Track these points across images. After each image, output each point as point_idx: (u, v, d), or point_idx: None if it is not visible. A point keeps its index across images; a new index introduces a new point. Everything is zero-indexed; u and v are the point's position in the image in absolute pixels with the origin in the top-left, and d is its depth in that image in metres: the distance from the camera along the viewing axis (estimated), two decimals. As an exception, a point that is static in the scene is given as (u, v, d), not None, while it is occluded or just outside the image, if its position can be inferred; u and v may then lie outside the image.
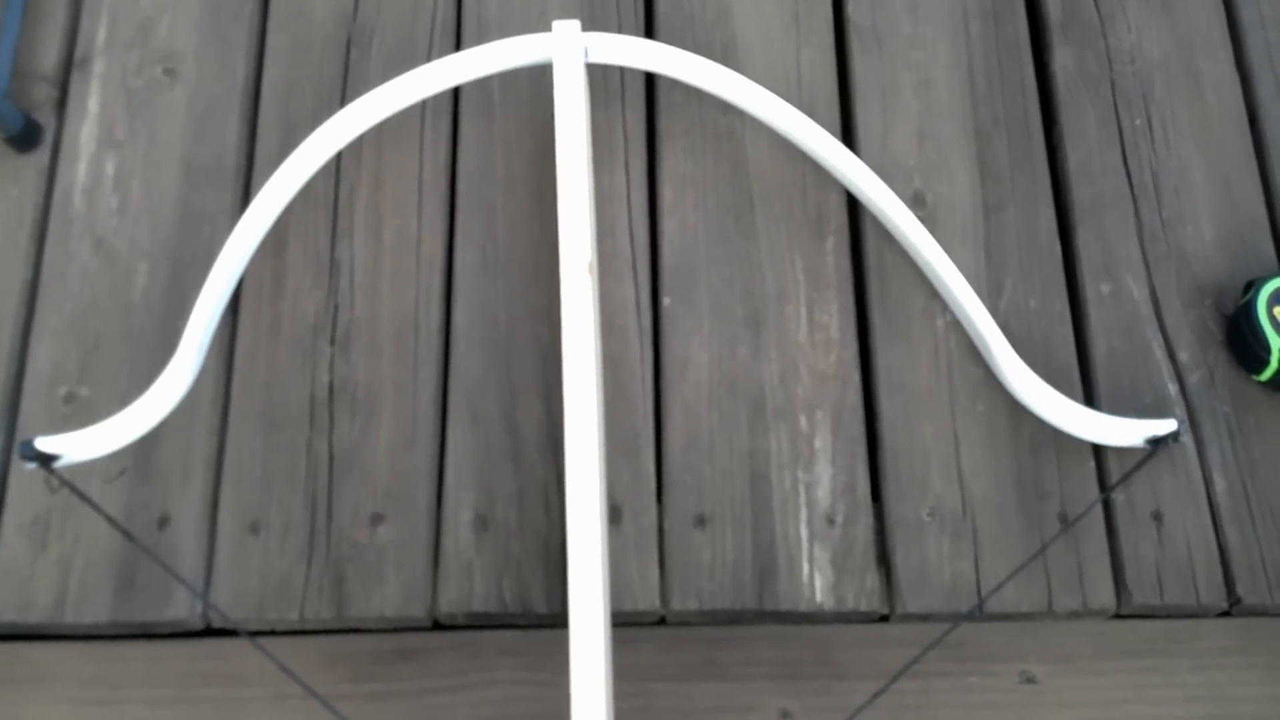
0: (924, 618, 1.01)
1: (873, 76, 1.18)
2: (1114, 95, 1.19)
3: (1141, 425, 1.02)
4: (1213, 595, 1.02)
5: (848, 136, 1.17)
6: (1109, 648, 1.02)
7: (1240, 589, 1.02)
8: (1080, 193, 1.15)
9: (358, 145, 1.12)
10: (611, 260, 1.10)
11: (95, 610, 0.99)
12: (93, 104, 1.15)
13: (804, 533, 1.02)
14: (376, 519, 1.01)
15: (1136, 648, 1.02)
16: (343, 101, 1.14)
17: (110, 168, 1.12)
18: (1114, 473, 1.05)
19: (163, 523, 1.01)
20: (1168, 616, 1.03)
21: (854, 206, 1.13)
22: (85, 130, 1.14)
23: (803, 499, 1.03)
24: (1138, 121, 1.18)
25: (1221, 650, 1.03)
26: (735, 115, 1.14)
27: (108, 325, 1.07)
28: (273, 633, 1.00)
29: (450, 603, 0.99)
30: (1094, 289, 1.11)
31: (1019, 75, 1.19)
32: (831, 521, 1.02)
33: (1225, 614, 1.04)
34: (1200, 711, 1.01)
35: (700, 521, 1.02)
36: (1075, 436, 1.04)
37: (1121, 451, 1.05)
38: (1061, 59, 1.20)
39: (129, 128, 1.14)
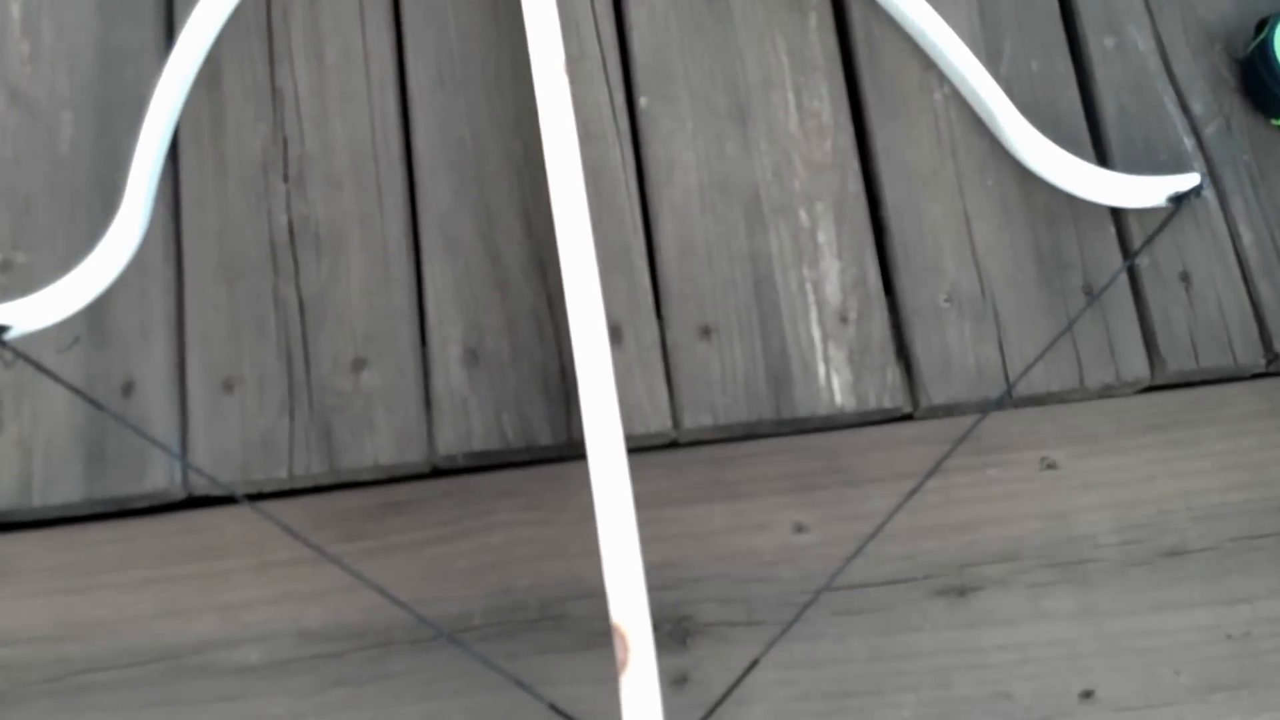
0: (949, 410, 0.98)
1: None
2: None
3: (1162, 182, 0.98)
4: (1249, 354, 0.99)
5: None
6: (1131, 424, 0.99)
7: (1278, 344, 0.99)
8: None
9: None
10: (579, 62, 1.03)
11: (66, 490, 0.92)
12: (-14, -61, 1.04)
13: (816, 333, 0.97)
14: (359, 364, 0.96)
15: (1160, 421, 1.00)
16: None
17: (15, 9, 1.03)
18: (1136, 236, 1.01)
19: (127, 389, 0.94)
20: (1203, 383, 1.00)
21: None
22: (-18, -29, 1.04)
23: (811, 298, 0.98)
24: None
25: (1250, 414, 1.01)
26: None
27: (37, 183, 0.99)
28: (260, 495, 0.94)
29: (448, 444, 0.94)
30: (1097, 44, 1.06)
31: None
32: (844, 319, 0.98)
33: (1260, 375, 1.01)
34: (1232, 480, 0.99)
35: (705, 333, 0.97)
36: (1093, 202, 1.00)
37: (1142, 214, 1.01)
38: None
39: (30, -37, 1.04)
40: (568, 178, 0.91)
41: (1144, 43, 1.06)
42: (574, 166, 0.91)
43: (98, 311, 0.95)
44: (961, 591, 0.94)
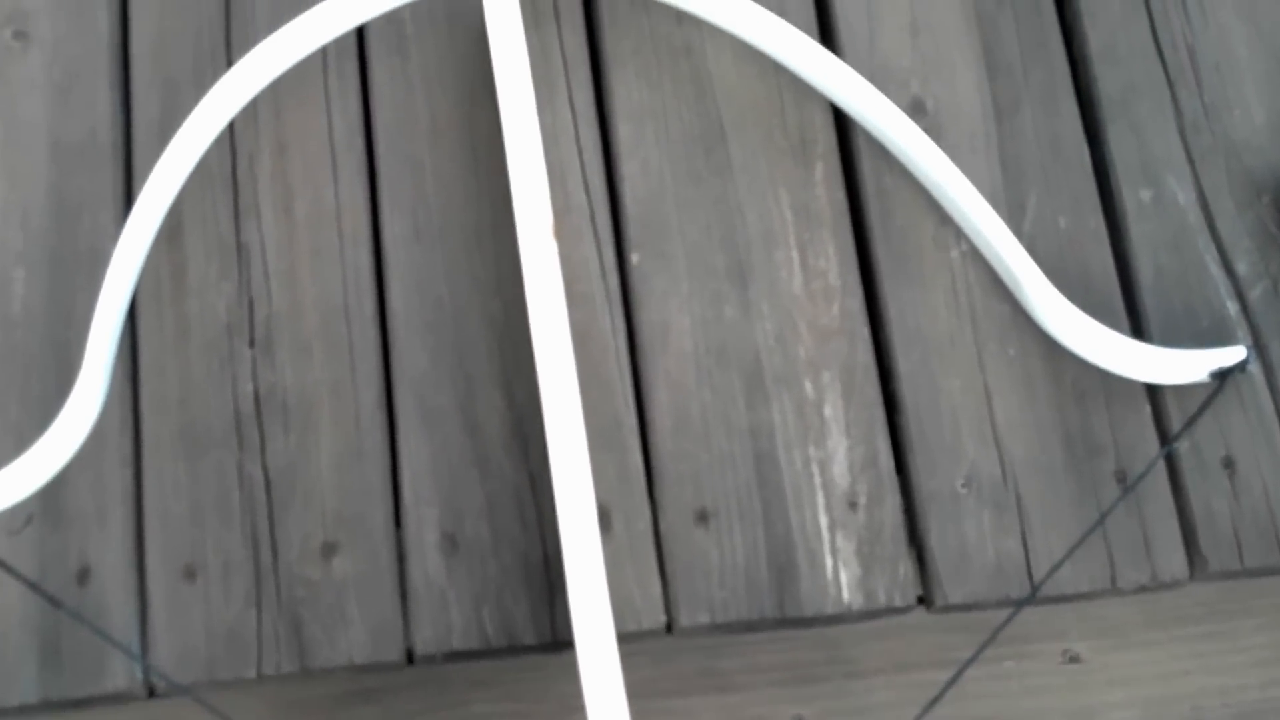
0: (966, 608, 0.93)
1: (851, -41, 1.07)
2: (1136, -44, 1.07)
3: (1204, 356, 0.94)
4: (1300, 550, 0.95)
5: (827, 37, 1.05)
6: (1161, 616, 0.98)
7: (1332, 540, 0.94)
8: (1106, 81, 1.04)
9: (251, 107, 1.00)
10: (566, 215, 0.99)
11: (21, 690, 0.89)
12: (-65, 84, 1.03)
13: (823, 520, 0.93)
14: (329, 549, 0.92)
15: (1193, 613, 0.98)
16: (227, 50, 1.02)
17: (-36, 160, 1.01)
18: (1175, 415, 0.96)
19: (83, 576, 0.91)
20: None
21: (842, 123, 1.03)
22: (-70, 116, 1.02)
23: (817, 480, 0.94)
24: (1166, -13, 1.07)
25: (1289, 605, 0.98)
26: (692, 25, 1.02)
27: (-13, 348, 0.96)
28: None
29: (426, 642, 0.91)
30: (1132, 197, 1.01)
31: (1023, -59, 1.08)
32: (853, 504, 0.94)
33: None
34: (1272, 675, 0.98)
35: (702, 518, 0.93)
36: (1126, 377, 0.95)
37: (1181, 390, 0.96)
38: (1072, -89, 1.09)
39: (-18, 107, 1.02)
40: (555, 352, 0.87)
41: (1184, 196, 1.01)
42: (562, 340, 0.87)
43: (52, 488, 0.92)
44: (981, 795, 0.91)
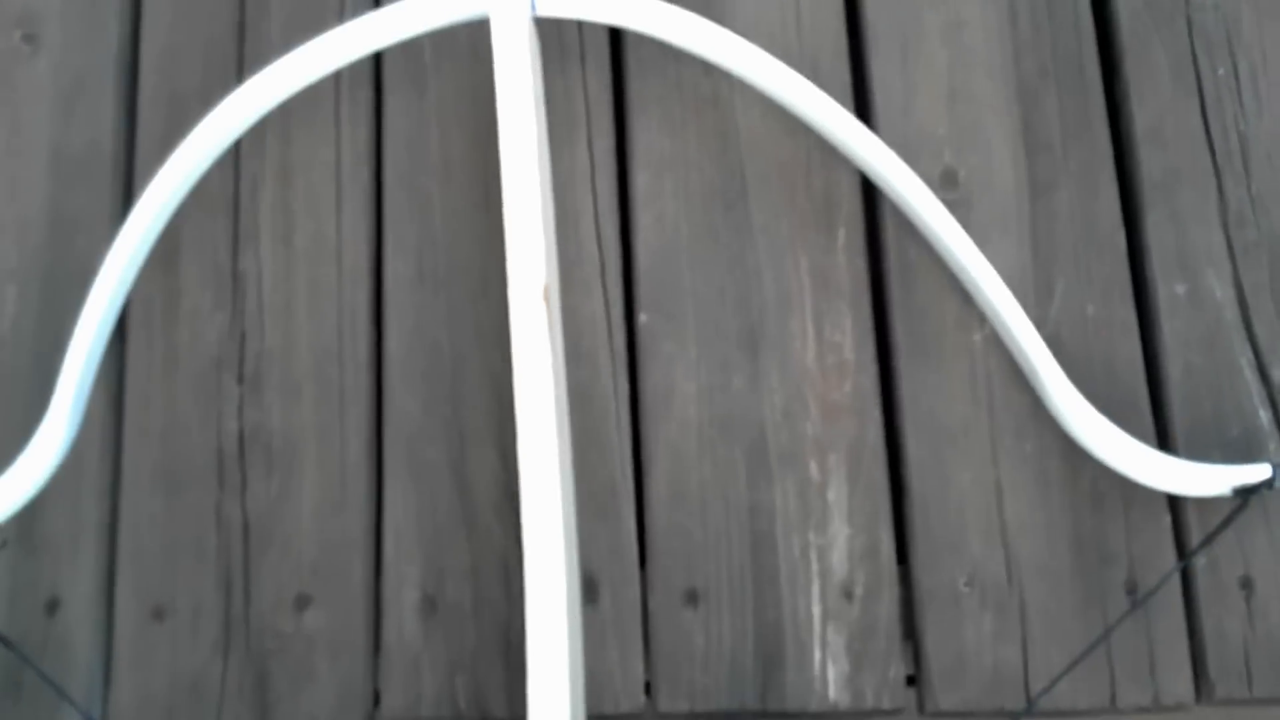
0: (959, 715, 0.90)
1: (890, 22, 1.03)
2: (1191, 38, 1.02)
3: (1228, 472, 0.89)
4: (1315, 683, 0.92)
5: (860, 101, 1.02)
6: None
7: (1349, 677, 0.90)
8: (1150, 165, 1.00)
9: (259, 128, 0.98)
10: (575, 267, 0.97)
11: (-22, 722, 0.89)
12: (-62, 82, 1.02)
13: (816, 610, 0.91)
14: (303, 601, 0.91)
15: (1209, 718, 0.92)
16: (239, 68, 1.01)
17: (-35, 171, 1.00)
18: (1194, 529, 0.92)
19: (52, 607, 0.91)
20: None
21: (869, 189, 0.99)
22: (-69, 117, 1.01)
23: (815, 567, 0.92)
24: (1220, 71, 1.01)
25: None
26: (721, 78, 0.99)
27: (-26, 366, 0.96)
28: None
29: (395, 707, 0.89)
30: (1167, 290, 0.97)
31: (1073, 14, 1.03)
32: (849, 594, 0.91)
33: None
34: None
35: (691, 598, 0.91)
36: (1146, 485, 0.90)
37: (1203, 501, 0.92)
38: (1126, -9, 1.06)
39: (-14, 110, 1.01)
40: (538, 419, 0.83)
41: (1221, 291, 0.97)
42: (547, 406, 0.83)
43: (28, 514, 0.90)
44: None
